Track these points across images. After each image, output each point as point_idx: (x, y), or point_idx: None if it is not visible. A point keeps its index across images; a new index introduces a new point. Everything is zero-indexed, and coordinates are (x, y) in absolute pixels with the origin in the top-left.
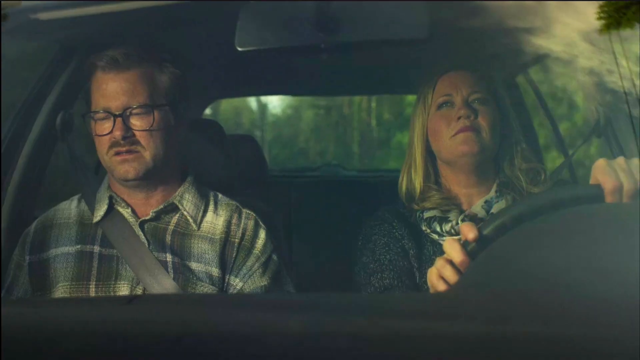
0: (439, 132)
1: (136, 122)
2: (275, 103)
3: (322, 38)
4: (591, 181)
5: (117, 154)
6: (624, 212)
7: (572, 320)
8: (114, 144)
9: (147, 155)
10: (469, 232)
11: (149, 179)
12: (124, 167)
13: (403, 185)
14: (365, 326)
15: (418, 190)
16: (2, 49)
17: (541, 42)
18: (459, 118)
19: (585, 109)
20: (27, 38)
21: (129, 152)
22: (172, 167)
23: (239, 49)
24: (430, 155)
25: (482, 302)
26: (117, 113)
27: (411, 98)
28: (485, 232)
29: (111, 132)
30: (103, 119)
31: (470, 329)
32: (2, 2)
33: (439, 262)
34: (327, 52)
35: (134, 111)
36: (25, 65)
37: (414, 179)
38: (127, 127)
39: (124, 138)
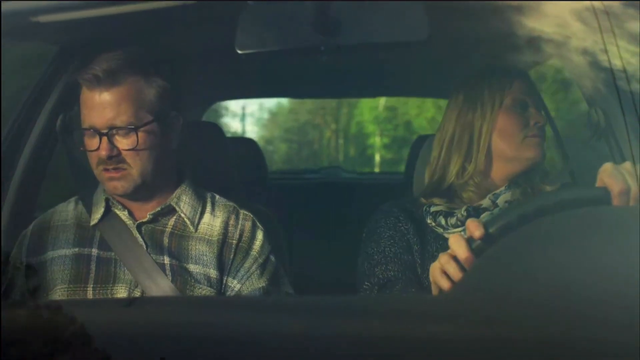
0: (511, 130)
1: (122, 141)
2: (252, 135)
3: (322, 40)
4: (597, 184)
5: (105, 170)
6: (631, 215)
7: (574, 321)
8: (101, 161)
9: (135, 172)
10: (476, 229)
11: (139, 193)
12: (112, 184)
13: (449, 169)
14: (364, 328)
15: (465, 178)
16: (2, 51)
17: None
18: (535, 123)
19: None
20: (27, 40)
21: (116, 169)
22: (165, 175)
23: (239, 51)
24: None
25: (484, 303)
26: (103, 131)
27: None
28: (491, 230)
29: (98, 149)
30: (91, 135)
31: (471, 330)
32: (1, 2)
33: (443, 258)
34: (327, 55)
35: (119, 131)
36: (25, 67)
37: (469, 169)
38: (113, 146)
39: (109, 157)
